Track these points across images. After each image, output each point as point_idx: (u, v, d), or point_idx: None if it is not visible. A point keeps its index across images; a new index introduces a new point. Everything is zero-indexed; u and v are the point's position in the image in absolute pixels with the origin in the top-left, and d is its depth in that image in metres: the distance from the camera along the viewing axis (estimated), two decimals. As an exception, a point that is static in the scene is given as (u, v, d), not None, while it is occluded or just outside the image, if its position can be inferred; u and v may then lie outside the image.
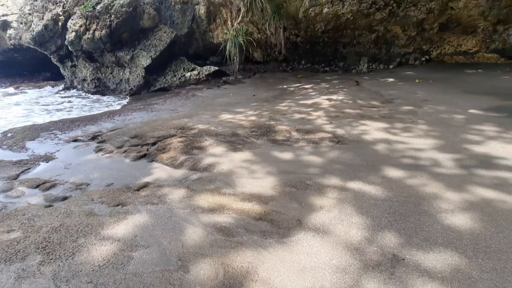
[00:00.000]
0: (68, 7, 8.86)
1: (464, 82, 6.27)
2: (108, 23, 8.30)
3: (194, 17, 9.72)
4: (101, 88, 9.19)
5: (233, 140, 3.76)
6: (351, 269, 1.64)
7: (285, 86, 7.46)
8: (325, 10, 8.23)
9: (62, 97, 8.66)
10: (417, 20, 7.89)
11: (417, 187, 2.43)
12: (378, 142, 3.43)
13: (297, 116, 4.70)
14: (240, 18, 8.89)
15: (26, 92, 9.41)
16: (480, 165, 2.73)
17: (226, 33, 9.45)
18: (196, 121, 4.70)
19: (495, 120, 3.91)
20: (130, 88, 8.78)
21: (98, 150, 3.79)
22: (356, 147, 3.33)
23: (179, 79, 8.95)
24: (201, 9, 9.47)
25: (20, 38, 10.16)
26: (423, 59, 8.53)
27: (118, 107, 7.27)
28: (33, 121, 5.89)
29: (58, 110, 7.14)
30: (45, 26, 8.84)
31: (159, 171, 3.07)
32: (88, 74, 9.32)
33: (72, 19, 8.54)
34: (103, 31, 8.27)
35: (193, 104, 6.36)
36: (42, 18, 8.98)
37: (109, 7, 8.35)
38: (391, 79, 7.25)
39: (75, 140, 4.25)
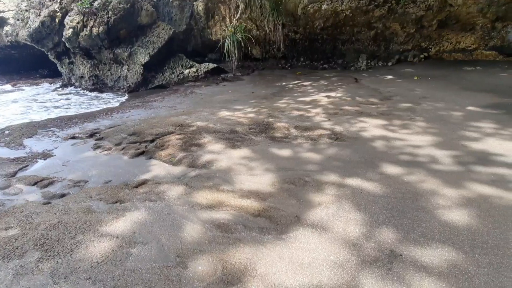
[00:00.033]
0: (65, 3, 8.78)
1: (462, 79, 6.27)
2: (105, 20, 8.24)
3: (192, 14, 9.67)
4: (99, 85, 9.14)
5: (232, 137, 3.76)
6: (348, 265, 1.65)
7: (283, 83, 7.44)
8: (324, 6, 8.20)
9: (59, 94, 8.61)
10: (416, 17, 7.87)
11: (415, 183, 2.44)
12: (376, 139, 3.43)
13: (296, 113, 4.70)
14: (238, 15, 8.85)
15: (23, 90, 9.35)
16: (477, 162, 2.75)
17: (224, 30, 9.41)
18: (195, 118, 4.69)
19: (493, 117, 3.93)
20: (128, 85, 8.74)
21: (96, 147, 3.78)
22: (354, 144, 3.33)
23: (178, 76, 8.91)
24: (199, 6, 9.41)
25: (17, 35, 10.08)
26: (422, 56, 8.52)
27: (116, 104, 7.24)
28: (31, 119, 5.86)
29: (55, 107, 7.10)
30: (42, 22, 8.77)
31: (158, 168, 3.06)
32: (85, 71, 9.27)
33: (69, 16, 8.47)
34: (101, 28, 8.22)
35: (192, 101, 6.35)
36: (39, 15, 8.91)
37: (107, 3, 8.29)
38: (389, 76, 7.25)
39: (73, 138, 4.23)
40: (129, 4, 8.32)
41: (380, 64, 8.82)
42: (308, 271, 1.62)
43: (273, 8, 8.39)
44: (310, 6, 8.31)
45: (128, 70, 8.85)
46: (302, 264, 1.67)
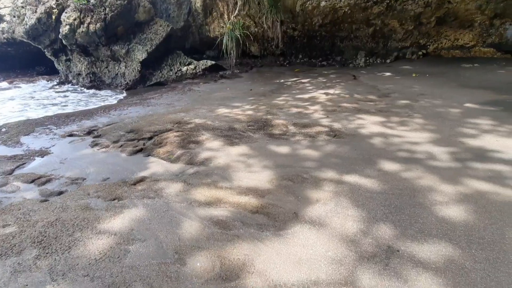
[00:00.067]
0: None
1: (460, 76, 6.28)
2: (102, 16, 8.18)
3: (190, 10, 9.62)
4: (96, 83, 9.09)
5: (230, 134, 3.75)
6: (346, 261, 1.66)
7: (282, 80, 7.43)
8: (323, 3, 8.17)
9: (56, 92, 8.56)
10: (414, 14, 7.86)
11: (413, 180, 2.45)
12: (374, 136, 3.44)
13: (294, 110, 4.70)
14: (236, 12, 8.81)
15: (20, 87, 9.29)
16: (475, 158, 2.76)
17: (222, 27, 9.36)
18: (193, 116, 4.68)
19: (490, 114, 3.94)
20: (126, 82, 8.70)
21: (94, 144, 3.77)
22: (352, 141, 3.34)
23: (176, 73, 8.88)
24: (197, 2, 9.36)
25: (13, 32, 10.00)
26: (420, 53, 8.53)
27: (114, 101, 7.21)
28: (28, 116, 5.82)
29: (53, 104, 7.06)
30: (39, 19, 8.70)
31: (156, 165, 3.06)
32: (83, 69, 9.21)
33: (66, 12, 8.40)
34: (98, 25, 8.16)
35: (190, 98, 6.33)
36: (35, 11, 8.83)
37: (104, 0, 8.22)
38: (388, 73, 7.25)
39: (71, 135, 4.21)
40: (126, 1, 8.26)
41: (378, 61, 8.81)
42: (306, 267, 1.63)
43: (271, 4, 8.36)
44: (308, 2, 8.28)
45: (125, 67, 8.80)
46: (300, 260, 1.67)
